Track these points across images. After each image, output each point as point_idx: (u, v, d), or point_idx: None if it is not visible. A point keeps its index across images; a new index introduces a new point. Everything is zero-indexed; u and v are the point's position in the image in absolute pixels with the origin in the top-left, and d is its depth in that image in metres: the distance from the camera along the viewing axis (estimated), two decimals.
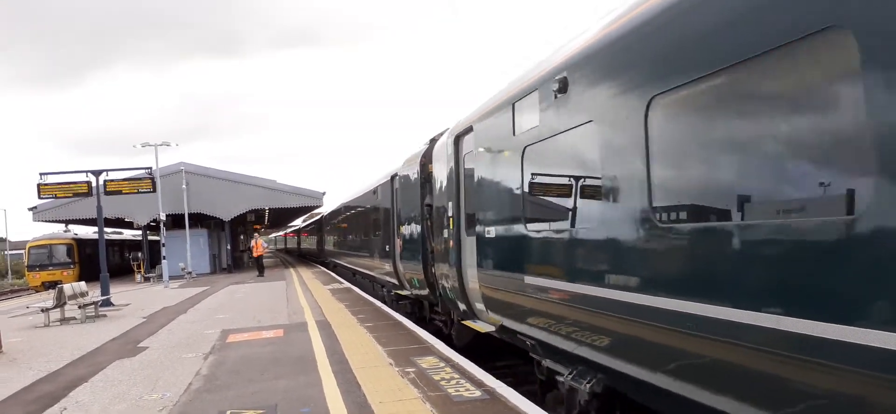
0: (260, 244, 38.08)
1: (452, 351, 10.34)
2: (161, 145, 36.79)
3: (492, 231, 8.82)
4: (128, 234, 63.22)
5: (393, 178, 17.65)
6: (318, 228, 52.23)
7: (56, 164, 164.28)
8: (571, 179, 6.70)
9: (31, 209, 41.66)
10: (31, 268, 47.32)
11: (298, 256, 74.33)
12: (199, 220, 44.26)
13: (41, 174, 23.86)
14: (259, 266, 37.24)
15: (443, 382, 8.26)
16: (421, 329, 12.75)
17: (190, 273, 39.46)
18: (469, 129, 10.06)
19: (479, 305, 9.86)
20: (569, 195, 6.75)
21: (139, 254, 44.80)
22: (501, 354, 11.06)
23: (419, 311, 15.90)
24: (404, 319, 14.40)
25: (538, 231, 7.34)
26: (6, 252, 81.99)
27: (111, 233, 57.75)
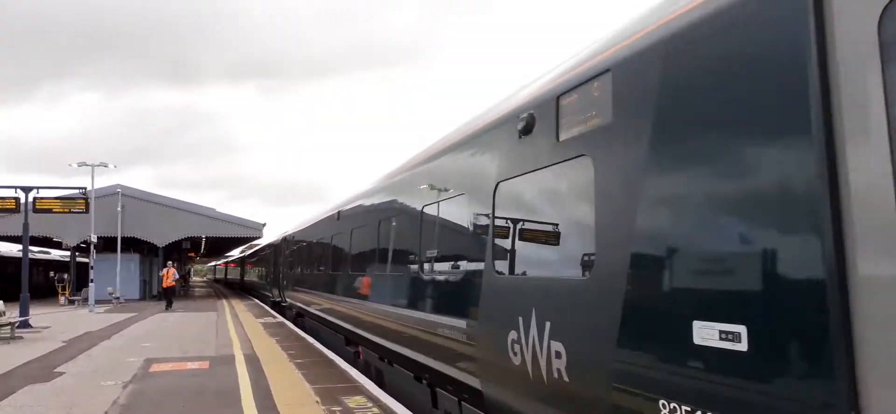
0: (171, 274, 33.58)
1: (381, 391, 10.25)
2: (98, 166, 35.74)
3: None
4: (55, 253, 60.79)
5: (272, 245, 32.74)
6: (241, 262, 64.24)
7: None
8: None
9: None
10: None
11: (226, 286, 79.88)
12: (132, 244, 42.93)
13: None
14: (167, 297, 33.25)
15: None
16: (352, 368, 12.60)
17: (118, 298, 38.06)
18: (285, 236, 26.45)
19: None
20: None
21: (65, 275, 43.04)
22: None
23: (277, 306, 29.57)
24: (336, 357, 14.21)
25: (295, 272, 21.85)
26: None
27: (37, 251, 55.41)
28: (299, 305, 21.41)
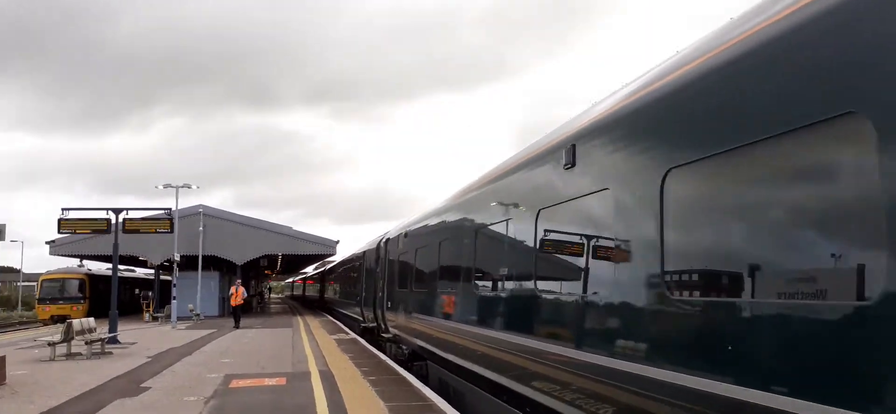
0: (240, 293, 33.55)
1: (454, 410, 10.25)
2: (182, 187, 37.32)
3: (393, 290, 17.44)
4: (140, 272, 63.52)
5: (364, 253, 25.72)
6: (321, 279, 60.83)
7: (82, 202, 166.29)
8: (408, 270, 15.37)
9: (48, 242, 42.13)
10: (41, 301, 47.47)
11: (303, 303, 78.81)
12: (212, 262, 44.47)
13: (63, 210, 24.32)
14: (236, 316, 32.84)
15: None
16: (424, 386, 12.65)
17: (198, 315, 39.47)
18: (387, 239, 19.49)
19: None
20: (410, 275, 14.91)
21: (149, 293, 44.93)
22: None
23: (371, 334, 22.78)
24: (408, 374, 14.30)
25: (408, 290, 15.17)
26: (19, 283, 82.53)
27: (124, 270, 58.11)
28: (414, 339, 14.57)
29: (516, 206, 8.25)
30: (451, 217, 11.71)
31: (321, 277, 59.51)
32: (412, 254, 15.01)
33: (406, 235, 16.17)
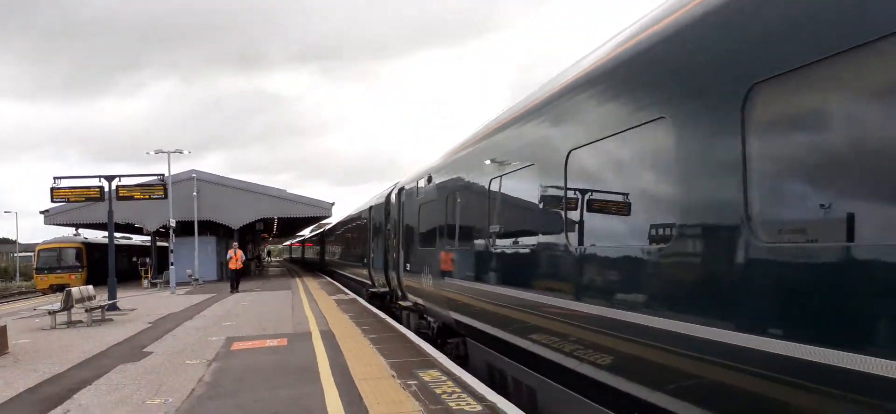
0: (239, 256, 32.00)
1: (454, 365, 10.33)
2: (174, 152, 37.15)
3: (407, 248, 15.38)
4: (137, 239, 63.56)
5: (370, 209, 23.30)
6: (320, 240, 57.48)
7: (76, 170, 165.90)
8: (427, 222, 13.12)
9: (42, 212, 42.09)
10: (39, 270, 47.59)
11: (302, 266, 76.12)
12: (208, 227, 44.49)
13: (55, 178, 24.15)
14: (235, 280, 31.77)
15: (444, 396, 8.26)
16: (424, 342, 12.74)
17: (197, 280, 39.60)
18: (401, 188, 16.58)
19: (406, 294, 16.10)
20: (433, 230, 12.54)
21: (147, 259, 45.01)
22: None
23: (381, 301, 21.03)
24: (408, 331, 14.39)
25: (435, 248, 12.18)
26: (15, 254, 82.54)
27: (120, 238, 58.09)
28: (447, 311, 11.63)
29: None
30: (512, 142, 8.18)
31: (320, 239, 56.27)
32: (441, 203, 11.70)
33: (429, 179, 12.88)
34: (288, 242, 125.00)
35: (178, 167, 42.44)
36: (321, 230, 58.22)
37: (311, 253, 70.90)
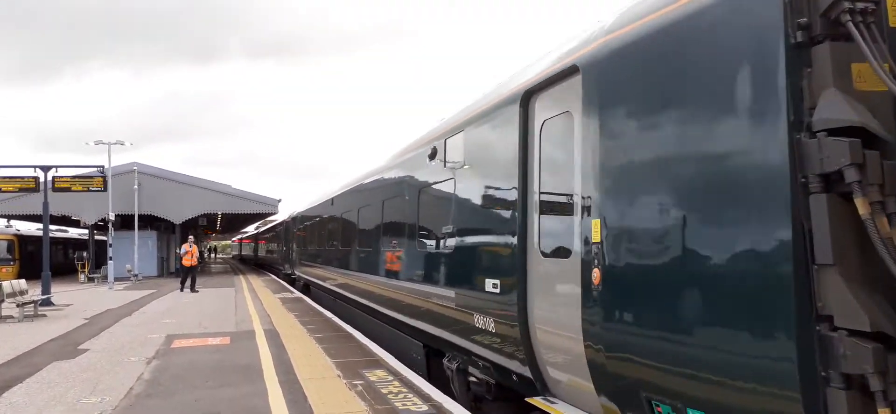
0: (194, 251, 27.96)
1: (401, 365, 10.33)
2: (115, 144, 36.10)
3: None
4: (74, 232, 61.48)
5: (284, 222, 35.41)
6: (256, 240, 69.27)
7: (16, 159, 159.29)
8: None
9: None
10: None
11: (243, 262, 78.18)
12: (149, 222, 43.34)
13: None
14: (186, 278, 27.75)
15: (390, 396, 8.24)
16: (371, 342, 12.69)
17: (136, 275, 38.51)
18: (293, 216, 31.51)
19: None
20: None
21: (84, 253, 43.56)
22: None
23: (287, 278, 34.04)
24: (356, 331, 14.32)
25: (302, 249, 27.93)
26: None
27: (56, 230, 56.08)
28: (306, 277, 27.24)
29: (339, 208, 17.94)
30: (326, 205, 20.15)
31: (255, 239, 69.82)
32: (302, 228, 27.05)
33: (295, 219, 29.75)
34: (235, 238, 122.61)
35: (123, 159, 41.10)
36: (256, 233, 69.77)
37: (247, 250, 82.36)
